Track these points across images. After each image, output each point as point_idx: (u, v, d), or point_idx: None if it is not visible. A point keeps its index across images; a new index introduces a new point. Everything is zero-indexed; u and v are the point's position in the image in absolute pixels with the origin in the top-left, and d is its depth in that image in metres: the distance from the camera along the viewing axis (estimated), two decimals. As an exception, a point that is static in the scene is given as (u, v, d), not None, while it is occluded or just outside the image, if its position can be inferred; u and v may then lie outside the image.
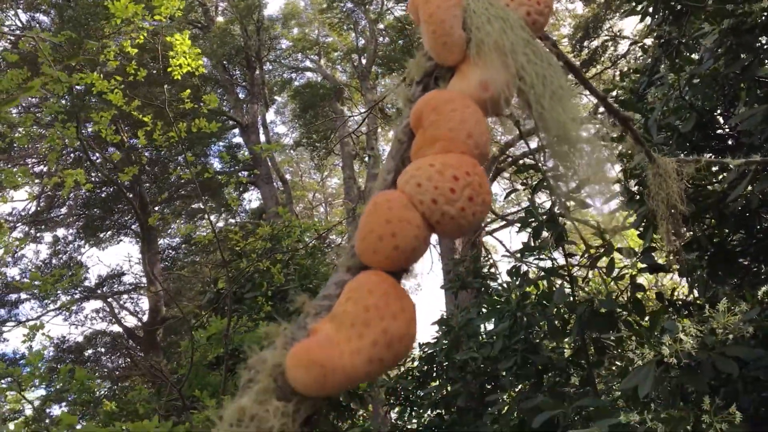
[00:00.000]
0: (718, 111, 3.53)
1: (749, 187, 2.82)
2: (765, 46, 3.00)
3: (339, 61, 20.49)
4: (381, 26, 18.04)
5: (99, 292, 15.95)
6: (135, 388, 7.02)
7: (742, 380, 2.58)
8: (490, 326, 5.20)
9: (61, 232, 16.67)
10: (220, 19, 18.56)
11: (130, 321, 16.36)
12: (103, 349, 16.13)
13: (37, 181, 13.01)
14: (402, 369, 6.34)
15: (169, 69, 4.79)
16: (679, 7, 3.07)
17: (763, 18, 2.73)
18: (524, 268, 4.59)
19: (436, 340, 5.77)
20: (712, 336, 2.40)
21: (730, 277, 3.38)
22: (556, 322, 4.08)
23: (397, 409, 6.14)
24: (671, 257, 3.61)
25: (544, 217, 4.02)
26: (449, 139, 0.50)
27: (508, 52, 0.53)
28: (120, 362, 15.88)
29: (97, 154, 11.72)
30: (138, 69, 4.80)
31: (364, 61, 17.98)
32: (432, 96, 0.54)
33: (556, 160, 0.59)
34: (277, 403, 0.43)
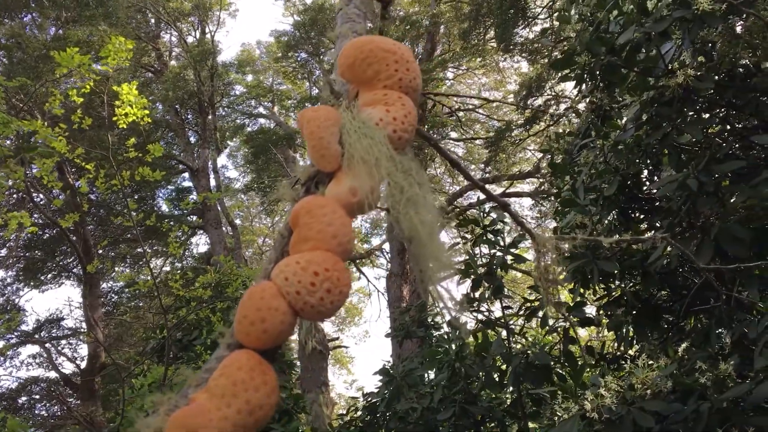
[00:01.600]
0: (645, 174, 3.74)
1: (668, 249, 2.99)
2: (689, 116, 3.22)
3: (292, 108, 20.70)
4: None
5: (37, 336, 15.43)
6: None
7: (661, 433, 2.69)
8: (432, 376, 5.26)
9: (-1, 273, 16.18)
10: (173, 63, 18.62)
11: (68, 367, 15.83)
12: (38, 396, 15.52)
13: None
14: (345, 419, 6.31)
15: (115, 118, 4.84)
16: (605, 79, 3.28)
17: (680, 91, 2.95)
18: (463, 319, 4.68)
19: (377, 389, 5.79)
20: (631, 391, 2.52)
21: (656, 332, 3.53)
22: (494, 374, 4.16)
23: (339, 460, 6.07)
24: (600, 312, 3.77)
25: (482, 270, 4.14)
26: (317, 239, 0.61)
27: (373, 165, 0.64)
28: (55, 410, 15.30)
29: (41, 195, 11.52)
30: (83, 117, 4.82)
31: (317, 110, 18.18)
32: (307, 201, 0.64)
33: (412, 246, 0.69)
34: (157, 463, 0.51)
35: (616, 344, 4.32)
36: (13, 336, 14.47)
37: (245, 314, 0.58)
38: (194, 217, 16.66)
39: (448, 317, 4.59)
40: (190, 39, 18.43)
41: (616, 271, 3.40)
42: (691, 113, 3.24)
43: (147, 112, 4.89)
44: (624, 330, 3.68)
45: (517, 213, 1.43)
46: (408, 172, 0.66)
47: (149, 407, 0.57)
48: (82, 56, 4.58)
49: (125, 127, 4.90)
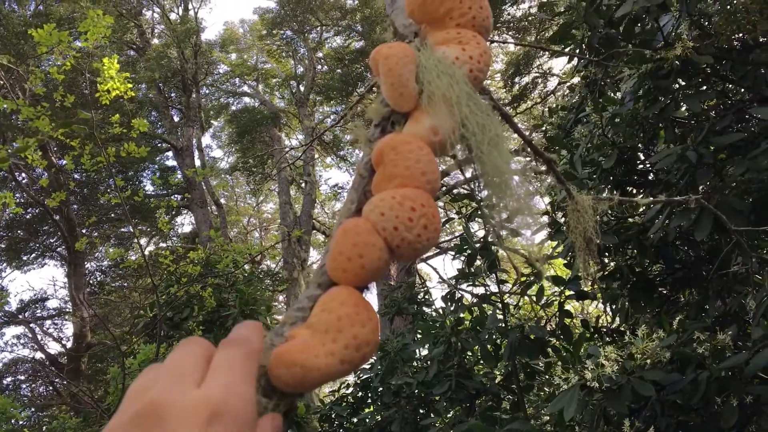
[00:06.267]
0: (640, 148, 3.75)
1: (666, 222, 3.01)
2: (683, 90, 3.23)
3: (277, 87, 20.53)
4: (319, 55, 18.23)
5: (21, 317, 15.31)
6: (58, 417, 6.77)
7: (660, 403, 2.72)
8: (425, 351, 5.28)
9: (-19, 254, 15.99)
10: (156, 41, 18.35)
11: (54, 347, 15.74)
12: (23, 377, 15.43)
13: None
14: (336, 395, 6.34)
15: (97, 95, 4.73)
16: (602, 52, 3.28)
17: (677, 64, 2.95)
18: (459, 294, 4.70)
19: (371, 365, 5.81)
20: (631, 361, 2.54)
21: (650, 305, 3.56)
22: (489, 348, 4.19)
23: (331, 437, 6.11)
24: (595, 286, 3.79)
25: (478, 245, 4.15)
26: (406, 176, 0.60)
27: (454, 104, 0.63)
28: (41, 390, 15.22)
29: (24, 174, 11.36)
30: (65, 95, 4.71)
31: (302, 88, 18.08)
32: (392, 138, 0.63)
33: (490, 192, 0.68)
34: (262, 399, 0.50)
35: (609, 318, 4.34)
36: (-4, 316, 14.35)
37: (341, 251, 0.57)
38: (179, 197, 16.52)
39: (444, 292, 4.60)
40: (172, 16, 18.17)
41: (612, 245, 3.42)
42: (688, 86, 3.25)
43: (130, 86, 4.79)
44: (619, 303, 3.71)
45: (560, 174, 1.43)
46: (487, 112, 0.65)
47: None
48: (60, 33, 4.46)
49: (108, 104, 4.79)
